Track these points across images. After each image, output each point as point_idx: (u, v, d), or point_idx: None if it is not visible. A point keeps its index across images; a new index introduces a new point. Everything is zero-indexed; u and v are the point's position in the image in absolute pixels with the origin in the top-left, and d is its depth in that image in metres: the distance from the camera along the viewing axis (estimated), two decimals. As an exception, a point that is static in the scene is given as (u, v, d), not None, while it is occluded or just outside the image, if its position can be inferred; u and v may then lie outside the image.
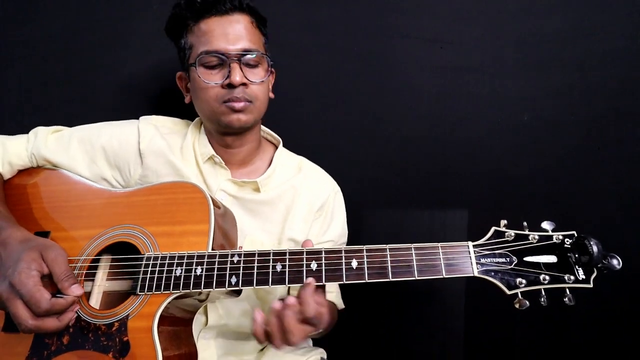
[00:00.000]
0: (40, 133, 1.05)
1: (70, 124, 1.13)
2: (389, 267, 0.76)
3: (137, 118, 1.13)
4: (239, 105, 0.96)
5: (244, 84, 0.96)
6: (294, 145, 1.21)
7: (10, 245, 0.82)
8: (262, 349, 1.09)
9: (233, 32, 0.96)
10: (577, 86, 1.32)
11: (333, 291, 1.15)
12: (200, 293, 0.84)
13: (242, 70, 0.96)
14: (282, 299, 0.77)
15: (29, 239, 0.84)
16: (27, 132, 1.09)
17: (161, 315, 0.79)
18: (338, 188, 1.17)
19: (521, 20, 1.32)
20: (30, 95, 1.37)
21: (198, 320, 0.98)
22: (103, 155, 1.04)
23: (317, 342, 1.19)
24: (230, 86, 0.95)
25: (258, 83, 0.99)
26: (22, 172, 1.02)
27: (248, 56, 0.97)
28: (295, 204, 1.07)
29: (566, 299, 0.71)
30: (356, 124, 1.38)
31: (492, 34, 1.33)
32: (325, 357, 1.13)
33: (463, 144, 1.36)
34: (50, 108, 1.37)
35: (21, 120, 1.36)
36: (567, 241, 0.73)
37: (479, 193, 1.35)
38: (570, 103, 1.32)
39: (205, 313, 0.99)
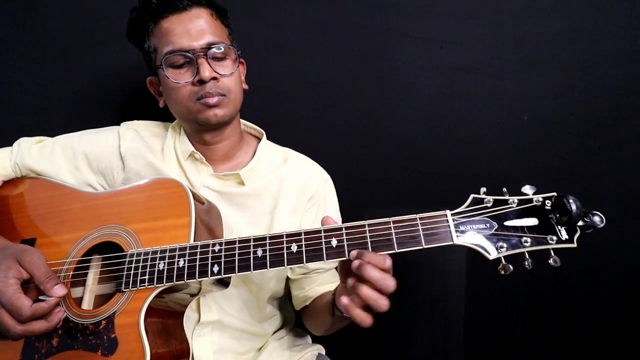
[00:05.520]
0: (24, 143, 1.06)
1: (70, 124, 1.13)
2: (369, 242, 0.75)
3: (137, 118, 1.14)
4: (212, 100, 0.96)
5: (214, 78, 0.95)
6: (293, 145, 1.21)
7: None
8: (260, 348, 1.09)
9: (195, 28, 0.95)
10: (577, 86, 1.32)
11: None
12: (188, 286, 0.84)
13: (210, 65, 0.94)
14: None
15: (6, 247, 0.84)
16: (26, 132, 1.10)
17: (148, 310, 0.80)
18: (327, 176, 1.16)
19: (521, 20, 1.32)
20: (30, 95, 1.37)
21: (191, 317, 0.98)
22: (85, 162, 1.05)
23: (316, 339, 1.20)
24: (201, 82, 0.94)
25: (228, 75, 0.98)
26: (6, 183, 1.04)
27: (214, 49, 0.95)
28: (282, 194, 1.06)
29: (551, 261, 0.70)
30: (356, 124, 1.38)
31: (492, 34, 1.33)
32: (323, 352, 1.13)
33: (463, 144, 1.36)
34: (50, 108, 1.37)
35: (21, 120, 1.36)
36: (547, 203, 0.72)
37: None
38: (570, 103, 1.32)
39: (198, 310, 0.99)
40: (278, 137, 1.19)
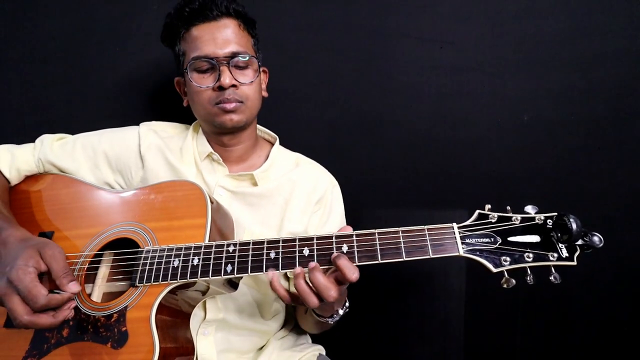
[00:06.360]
0: (46, 140, 1.10)
1: (71, 124, 1.14)
2: (378, 249, 0.78)
3: (136, 118, 1.15)
4: (230, 106, 1.00)
5: (234, 86, 1.00)
6: (293, 145, 1.22)
7: (10, 244, 0.84)
8: (261, 347, 1.10)
9: (221, 37, 1.00)
10: (577, 86, 1.32)
11: None
12: (196, 284, 0.86)
13: (231, 73, 1.00)
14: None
15: (29, 238, 0.86)
16: (27, 132, 1.11)
17: (160, 306, 0.81)
18: (336, 182, 1.19)
19: (521, 20, 1.32)
20: (30, 95, 1.37)
21: (197, 315, 1.00)
22: (105, 160, 1.08)
23: (316, 339, 1.20)
24: (221, 88, 0.99)
25: (247, 84, 1.02)
26: (28, 178, 1.07)
27: (236, 59, 1.00)
28: (293, 197, 1.09)
29: (552, 277, 0.74)
30: (356, 124, 1.38)
31: (492, 34, 1.33)
32: (323, 353, 1.14)
33: (463, 144, 1.36)
34: (50, 108, 1.37)
35: (21, 120, 1.36)
36: (549, 221, 0.76)
37: (479, 193, 1.35)
38: (570, 103, 1.32)
39: (204, 308, 1.01)
40: (278, 137, 1.19)
